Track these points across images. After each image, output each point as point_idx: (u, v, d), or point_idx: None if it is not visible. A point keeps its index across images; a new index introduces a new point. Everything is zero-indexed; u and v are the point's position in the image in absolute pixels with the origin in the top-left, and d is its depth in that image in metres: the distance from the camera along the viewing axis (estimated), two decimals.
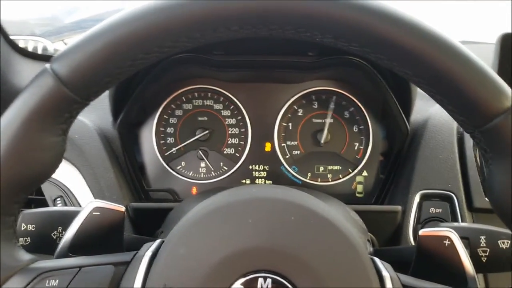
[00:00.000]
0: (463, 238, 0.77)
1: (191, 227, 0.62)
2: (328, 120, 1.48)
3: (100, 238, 0.77)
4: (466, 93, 0.56)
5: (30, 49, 1.87)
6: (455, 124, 1.35)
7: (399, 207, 1.27)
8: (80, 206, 1.27)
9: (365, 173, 1.49)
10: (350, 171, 1.48)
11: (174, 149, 1.50)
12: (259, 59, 1.46)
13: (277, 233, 0.58)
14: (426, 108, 1.45)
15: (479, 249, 0.84)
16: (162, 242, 0.69)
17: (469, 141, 1.30)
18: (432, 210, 1.25)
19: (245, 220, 0.60)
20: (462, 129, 1.40)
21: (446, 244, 0.73)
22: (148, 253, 0.68)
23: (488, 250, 0.82)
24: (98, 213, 0.82)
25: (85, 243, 0.75)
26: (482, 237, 0.85)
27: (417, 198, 1.26)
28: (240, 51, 1.47)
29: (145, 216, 1.30)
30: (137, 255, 0.70)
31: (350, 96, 1.48)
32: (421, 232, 0.77)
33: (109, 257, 0.72)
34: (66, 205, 1.40)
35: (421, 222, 1.24)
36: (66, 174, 1.32)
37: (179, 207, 1.02)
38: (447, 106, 0.58)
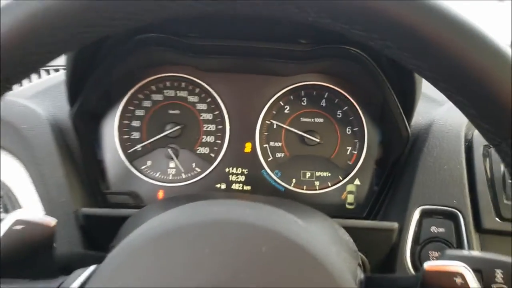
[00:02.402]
0: (475, 271, 0.70)
1: (131, 255, 0.49)
2: (318, 120, 1.41)
3: (26, 257, 0.65)
4: (496, 96, 0.46)
5: None
6: (462, 130, 1.27)
7: (395, 224, 1.19)
8: (21, 208, 1.16)
9: (357, 182, 1.41)
10: (341, 178, 1.40)
11: (139, 145, 1.40)
12: (243, 45, 1.33)
13: (242, 269, 0.46)
14: (429, 111, 1.38)
15: (494, 285, 0.75)
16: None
17: (478, 150, 1.23)
18: (433, 229, 1.18)
19: (199, 250, 0.47)
20: (470, 137, 1.31)
21: (458, 282, 0.63)
22: (75, 286, 0.56)
23: None
24: (22, 227, 0.70)
25: (8, 263, 0.63)
26: (498, 271, 0.76)
27: (416, 215, 1.19)
28: (220, 34, 1.33)
29: (99, 225, 1.19)
30: (63, 285, 0.59)
31: (344, 93, 1.40)
32: (427, 265, 0.67)
33: (28, 285, 0.61)
34: (6, 208, 1.26)
35: (420, 243, 1.18)
36: (9, 170, 1.21)
37: (135, 217, 0.93)
38: (468, 110, 0.47)
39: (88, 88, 1.32)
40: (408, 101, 1.27)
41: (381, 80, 1.26)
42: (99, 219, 1.20)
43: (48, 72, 1.80)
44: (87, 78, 1.32)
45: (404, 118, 1.27)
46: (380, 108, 1.36)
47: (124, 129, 1.41)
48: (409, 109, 1.29)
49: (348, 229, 0.95)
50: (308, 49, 1.35)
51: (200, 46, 1.34)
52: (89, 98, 1.28)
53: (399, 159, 1.31)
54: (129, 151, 1.40)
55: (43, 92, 1.51)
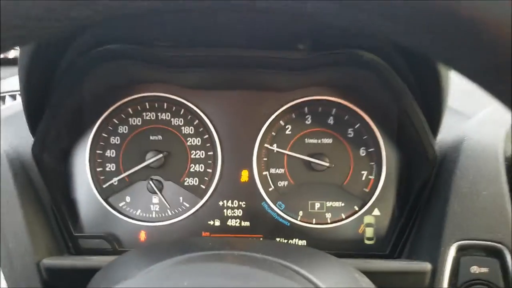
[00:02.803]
0: None
1: None
2: (326, 141, 1.30)
3: None
4: None
5: None
6: (500, 147, 1.14)
7: (427, 265, 1.07)
8: None
9: (376, 212, 1.29)
10: (356, 209, 1.30)
11: (115, 179, 1.30)
12: (230, 55, 1.16)
13: None
14: (455, 125, 1.27)
15: None
16: None
17: None
18: (474, 269, 1.06)
19: None
20: (511, 153, 1.14)
21: None
22: None
23: None
24: None
25: None
26: None
27: (452, 252, 1.07)
28: (199, 41, 1.16)
29: (66, 279, 1.10)
30: None
31: (355, 108, 1.29)
32: None
33: None
34: None
35: (458, 287, 1.06)
36: None
37: (104, 272, 0.84)
38: None
39: (47, 115, 1.16)
40: (433, 114, 1.16)
41: (400, 88, 1.14)
42: (65, 272, 1.09)
43: (14, 97, 1.61)
44: (47, 103, 1.15)
45: (430, 134, 1.16)
46: (399, 123, 1.26)
47: (97, 160, 1.31)
48: (434, 124, 1.17)
49: (371, 274, 0.86)
50: (308, 57, 1.16)
51: (174, 58, 1.17)
52: (50, 126, 1.17)
53: (425, 184, 1.20)
54: (104, 186, 1.30)
55: (6, 120, 1.34)
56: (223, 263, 0.74)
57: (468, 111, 1.33)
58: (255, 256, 0.76)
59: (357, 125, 1.31)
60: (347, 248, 1.25)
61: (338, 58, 1.16)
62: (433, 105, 1.15)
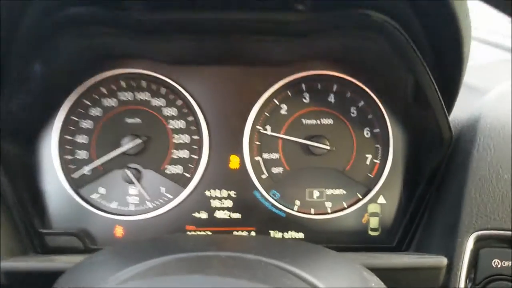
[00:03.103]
0: None
1: None
2: (326, 121, 1.23)
3: None
4: None
5: None
6: None
7: (442, 260, 1.00)
8: None
9: (381, 200, 1.23)
10: (360, 197, 1.24)
11: (87, 168, 1.21)
12: (217, 18, 1.05)
13: None
14: (469, 102, 1.22)
15: None
16: None
17: None
18: (495, 263, 1.00)
19: None
20: None
21: None
22: None
23: None
24: None
25: None
26: None
27: (470, 244, 1.01)
28: (179, 3, 1.02)
29: (29, 283, 0.99)
30: None
31: (359, 84, 1.23)
32: None
33: None
34: None
35: (478, 283, 1.00)
36: None
37: (70, 275, 0.76)
38: None
39: (5, 94, 1.04)
40: (449, 88, 1.08)
41: (414, 57, 1.04)
42: (28, 276, 0.99)
43: None
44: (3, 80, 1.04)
45: (446, 111, 1.07)
46: (410, 99, 1.18)
47: (66, 147, 1.22)
48: (449, 100, 1.10)
49: (377, 270, 0.79)
50: (307, 18, 1.03)
51: (150, 22, 1.05)
52: (9, 108, 1.06)
53: (438, 168, 1.14)
54: (74, 176, 1.22)
55: None
56: (207, 268, 0.64)
57: (482, 87, 1.27)
58: (246, 257, 0.69)
59: (361, 103, 1.25)
60: (349, 240, 1.20)
61: (341, 20, 1.06)
62: (450, 77, 1.08)
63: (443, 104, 1.06)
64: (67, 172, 1.20)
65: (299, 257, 0.72)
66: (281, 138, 1.23)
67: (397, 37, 1.01)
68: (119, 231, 1.18)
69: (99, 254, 0.82)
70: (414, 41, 1.02)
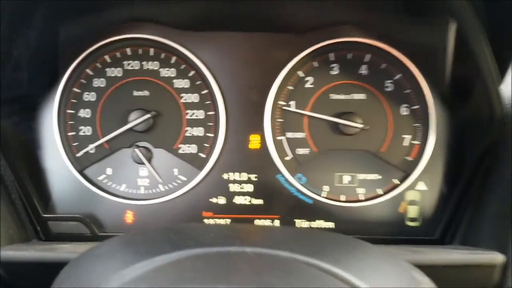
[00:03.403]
0: None
1: None
2: (358, 96, 1.14)
3: None
4: None
5: None
6: None
7: (497, 256, 0.92)
8: None
9: (421, 187, 1.15)
10: (397, 182, 1.16)
11: (92, 146, 1.15)
12: None
13: None
14: None
15: None
16: None
17: None
18: None
19: None
20: None
21: None
22: None
23: None
24: None
25: None
26: None
27: None
28: None
29: (30, 273, 0.93)
30: None
31: (396, 53, 1.14)
32: None
33: None
34: None
35: None
36: None
37: (74, 268, 0.71)
38: None
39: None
40: (503, 59, 0.99)
41: (467, 18, 0.96)
42: (25, 268, 0.93)
43: None
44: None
45: (498, 84, 0.99)
46: (454, 71, 1.10)
47: (68, 122, 1.16)
48: (502, 73, 1.01)
49: (423, 268, 0.72)
50: None
51: None
52: (4, 79, 1.01)
53: (487, 150, 1.07)
54: (78, 155, 1.16)
55: None
56: (232, 273, 0.56)
57: None
58: (278, 255, 0.60)
59: (398, 76, 1.17)
60: (384, 231, 1.13)
61: None
62: (505, 46, 0.97)
63: (495, 77, 0.96)
64: (70, 150, 1.15)
65: (339, 254, 0.65)
66: (307, 115, 1.13)
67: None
68: (129, 217, 1.12)
69: (104, 245, 0.75)
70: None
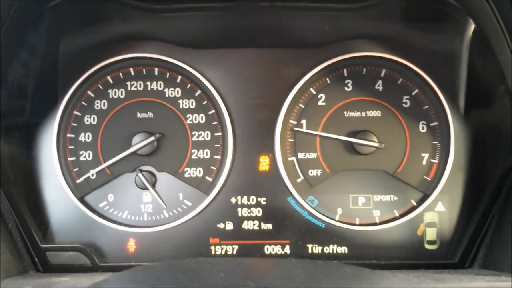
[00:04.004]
0: None
1: None
2: (373, 113, 1.12)
3: None
4: None
5: None
6: None
7: None
8: None
9: (440, 208, 1.11)
10: (414, 204, 1.12)
11: (93, 171, 1.12)
12: None
13: None
14: None
15: None
16: None
17: None
18: None
19: None
20: None
21: None
22: None
23: None
24: None
25: None
26: None
27: None
28: None
29: None
30: None
31: (413, 67, 1.11)
32: None
33: None
34: None
35: None
36: None
37: None
38: None
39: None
40: None
41: (493, 30, 0.90)
42: None
43: None
44: None
45: None
46: (477, 86, 1.07)
47: (68, 147, 1.12)
48: None
49: None
50: None
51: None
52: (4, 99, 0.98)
53: (510, 169, 1.01)
54: (79, 181, 1.12)
55: None
56: None
57: None
58: None
59: (415, 91, 1.14)
60: (402, 256, 1.09)
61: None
62: None
63: None
64: (69, 176, 1.11)
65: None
66: (319, 132, 1.10)
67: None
68: (131, 246, 1.07)
69: (102, 285, 0.71)
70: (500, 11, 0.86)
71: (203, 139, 1.11)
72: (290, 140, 1.11)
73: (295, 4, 0.99)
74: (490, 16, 0.93)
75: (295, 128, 1.10)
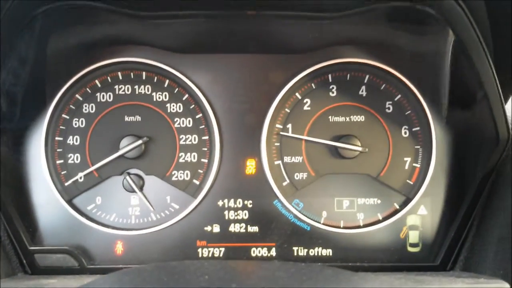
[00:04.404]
0: None
1: None
2: (357, 118, 1.14)
3: None
4: None
5: None
6: None
7: (504, 285, 0.88)
8: None
9: (422, 211, 1.13)
10: (397, 207, 1.13)
11: (81, 174, 1.12)
12: None
13: None
14: None
15: None
16: None
17: None
18: None
19: None
20: None
21: None
22: None
23: None
24: None
25: None
26: None
27: None
28: None
29: None
30: None
31: (396, 73, 1.13)
32: None
33: None
34: None
35: None
36: None
37: None
38: None
39: None
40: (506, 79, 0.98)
41: (470, 37, 0.93)
42: None
43: None
44: None
45: (505, 108, 0.98)
46: (458, 92, 1.09)
47: (56, 150, 1.12)
48: (506, 93, 1.00)
49: None
50: None
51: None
52: None
53: (490, 173, 1.04)
54: (67, 183, 1.12)
55: None
56: None
57: None
58: None
59: (398, 97, 1.16)
60: (385, 258, 1.10)
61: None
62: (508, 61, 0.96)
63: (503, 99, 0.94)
64: (58, 179, 1.11)
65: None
66: (305, 136, 1.12)
67: (453, 14, 0.88)
68: (119, 248, 1.08)
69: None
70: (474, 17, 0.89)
71: (190, 142, 1.12)
72: (276, 144, 1.12)
73: (281, 13, 0.99)
74: (468, 28, 0.95)
75: (281, 133, 1.11)
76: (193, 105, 1.11)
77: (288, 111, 1.12)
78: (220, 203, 1.11)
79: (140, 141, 1.08)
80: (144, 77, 1.12)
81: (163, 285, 0.64)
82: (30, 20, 0.97)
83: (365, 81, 1.12)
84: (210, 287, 0.62)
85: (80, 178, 1.10)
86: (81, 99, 1.10)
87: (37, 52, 1.06)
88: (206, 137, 1.11)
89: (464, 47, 0.98)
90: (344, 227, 1.11)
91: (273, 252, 1.08)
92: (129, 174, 1.09)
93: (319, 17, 1.02)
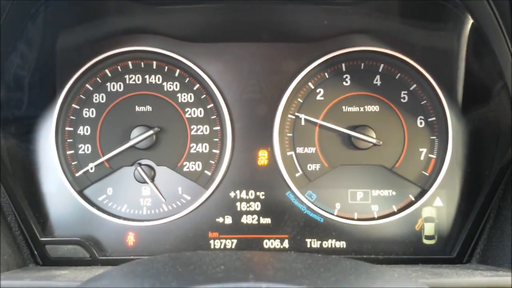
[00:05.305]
0: None
1: None
2: (372, 108, 1.14)
3: None
4: None
5: None
6: None
7: None
8: None
9: (438, 203, 1.12)
10: (412, 199, 1.13)
11: (91, 165, 1.13)
12: None
13: None
14: None
15: None
16: None
17: None
18: None
19: None
20: None
21: None
22: None
23: None
24: None
25: None
26: None
27: None
28: None
29: None
30: None
31: (411, 62, 1.12)
32: None
33: None
34: None
35: None
36: None
37: None
38: None
39: None
40: None
41: (492, 26, 0.92)
42: None
43: None
44: None
45: None
46: (475, 81, 1.08)
47: (66, 140, 1.13)
48: None
49: None
50: None
51: None
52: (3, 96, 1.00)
53: (508, 164, 1.02)
54: (78, 174, 1.13)
55: None
56: None
57: None
58: None
59: (413, 86, 1.15)
60: (400, 251, 1.10)
61: None
62: None
63: None
64: (68, 170, 1.12)
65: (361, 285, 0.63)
66: (318, 127, 1.11)
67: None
68: (130, 239, 1.09)
69: (104, 278, 0.72)
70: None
71: (201, 133, 1.12)
72: (288, 134, 1.12)
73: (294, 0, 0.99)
74: (489, 13, 0.94)
75: (297, 114, 1.11)
76: (204, 95, 1.12)
77: (301, 101, 1.12)
78: (232, 194, 1.12)
79: (151, 131, 1.09)
80: (154, 67, 1.12)
81: (178, 275, 0.64)
82: (40, 5, 0.95)
83: (380, 70, 1.12)
84: (226, 278, 0.62)
85: (91, 168, 1.11)
86: (91, 88, 1.11)
87: (46, 39, 1.06)
88: (218, 128, 1.12)
89: (483, 34, 0.96)
90: (358, 219, 1.11)
91: (285, 244, 1.08)
92: (140, 164, 1.10)
93: (333, 3, 1.00)
